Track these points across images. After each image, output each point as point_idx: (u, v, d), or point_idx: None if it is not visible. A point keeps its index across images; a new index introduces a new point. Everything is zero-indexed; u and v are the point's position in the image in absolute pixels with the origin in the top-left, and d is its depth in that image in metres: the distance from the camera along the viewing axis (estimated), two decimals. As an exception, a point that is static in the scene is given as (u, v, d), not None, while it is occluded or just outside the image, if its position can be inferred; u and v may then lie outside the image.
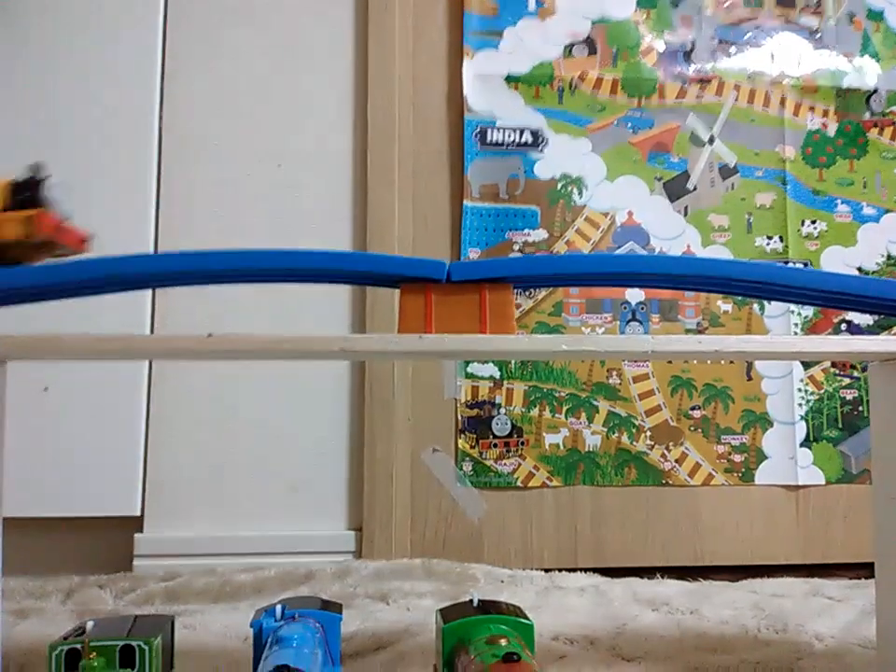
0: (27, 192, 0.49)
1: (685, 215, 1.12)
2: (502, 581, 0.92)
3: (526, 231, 1.09)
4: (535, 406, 1.06)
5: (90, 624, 0.48)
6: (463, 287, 0.52)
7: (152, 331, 0.99)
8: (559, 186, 1.10)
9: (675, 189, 1.12)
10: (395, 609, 0.81)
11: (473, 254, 1.07)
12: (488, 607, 0.57)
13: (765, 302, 1.11)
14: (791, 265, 1.11)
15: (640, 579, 0.96)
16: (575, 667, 0.65)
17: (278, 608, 0.54)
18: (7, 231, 0.48)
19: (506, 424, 1.06)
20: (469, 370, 1.06)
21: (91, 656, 0.44)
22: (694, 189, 1.12)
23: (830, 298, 0.54)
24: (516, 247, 1.08)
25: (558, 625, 0.75)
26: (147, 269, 0.51)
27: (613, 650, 0.70)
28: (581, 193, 1.10)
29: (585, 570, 0.98)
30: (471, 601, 0.58)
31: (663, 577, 0.98)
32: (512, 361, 1.06)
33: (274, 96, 1.07)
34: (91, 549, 0.97)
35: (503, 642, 0.49)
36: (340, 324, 1.05)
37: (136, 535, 0.96)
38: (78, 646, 0.44)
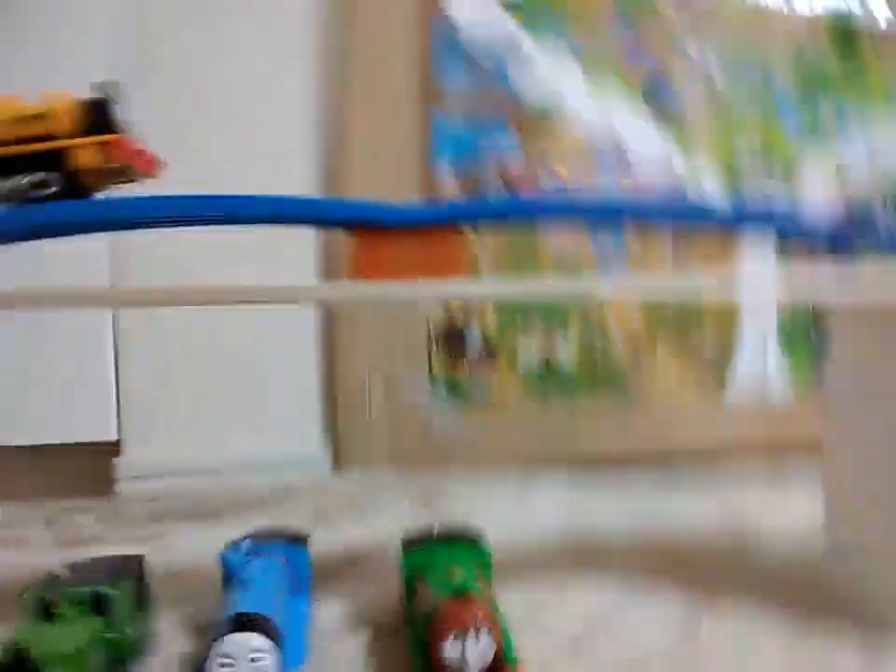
0: (101, 115, 0.46)
1: (668, 130, 1.08)
2: (475, 495, 0.95)
3: (504, 148, 1.06)
4: (509, 323, 1.07)
5: (62, 569, 0.50)
6: (411, 231, 0.52)
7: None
8: (538, 100, 1.06)
9: (659, 102, 1.08)
10: (369, 524, 0.84)
11: (447, 175, 1.04)
12: (448, 534, 0.60)
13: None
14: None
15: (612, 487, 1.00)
16: (535, 581, 0.68)
17: (244, 542, 0.56)
18: (85, 158, 0.45)
19: (480, 341, 1.07)
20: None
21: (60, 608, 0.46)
22: (680, 103, 1.08)
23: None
24: (492, 167, 1.05)
25: (524, 538, 0.78)
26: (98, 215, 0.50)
27: (578, 559, 0.73)
28: (560, 107, 1.06)
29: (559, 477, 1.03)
30: (432, 528, 0.60)
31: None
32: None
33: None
34: (71, 477, 1.00)
35: (457, 575, 0.52)
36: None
37: (114, 459, 0.99)
38: (49, 596, 0.46)
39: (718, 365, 1.11)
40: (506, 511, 0.88)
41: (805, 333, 1.11)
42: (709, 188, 1.08)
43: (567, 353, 1.08)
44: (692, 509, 0.90)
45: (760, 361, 1.11)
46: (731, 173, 1.09)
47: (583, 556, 0.73)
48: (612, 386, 1.08)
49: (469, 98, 1.04)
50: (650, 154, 1.07)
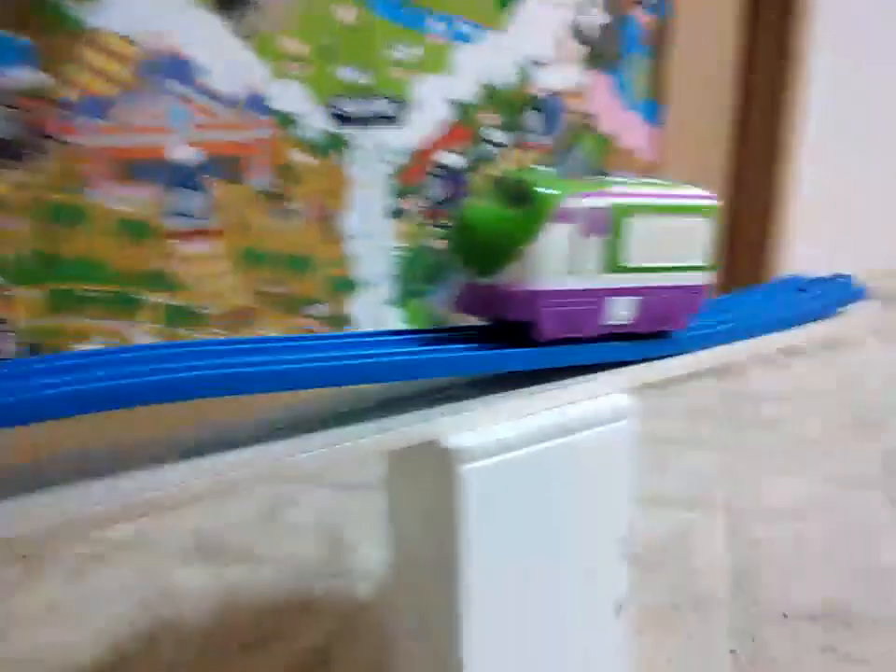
0: None
1: (247, 39, 0.84)
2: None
3: (18, 70, 0.74)
4: (57, 313, 0.82)
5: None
6: None
7: None
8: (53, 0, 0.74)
9: (229, 2, 0.83)
10: None
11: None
12: None
13: (346, 150, 0.94)
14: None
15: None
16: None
17: None
18: None
19: (16, 344, 0.81)
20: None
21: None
22: (257, 2, 0.84)
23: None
24: (6, 97, 0.73)
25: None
26: None
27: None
28: (88, 10, 0.76)
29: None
30: None
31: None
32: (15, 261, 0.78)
33: None
34: None
35: None
36: None
37: None
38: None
39: (333, 317, 0.99)
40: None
41: (423, 273, 1.04)
42: (300, 103, 0.88)
43: (145, 335, 0.87)
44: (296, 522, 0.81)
45: (376, 306, 1.02)
46: (326, 83, 0.90)
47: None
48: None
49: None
50: (221, 66, 0.83)
